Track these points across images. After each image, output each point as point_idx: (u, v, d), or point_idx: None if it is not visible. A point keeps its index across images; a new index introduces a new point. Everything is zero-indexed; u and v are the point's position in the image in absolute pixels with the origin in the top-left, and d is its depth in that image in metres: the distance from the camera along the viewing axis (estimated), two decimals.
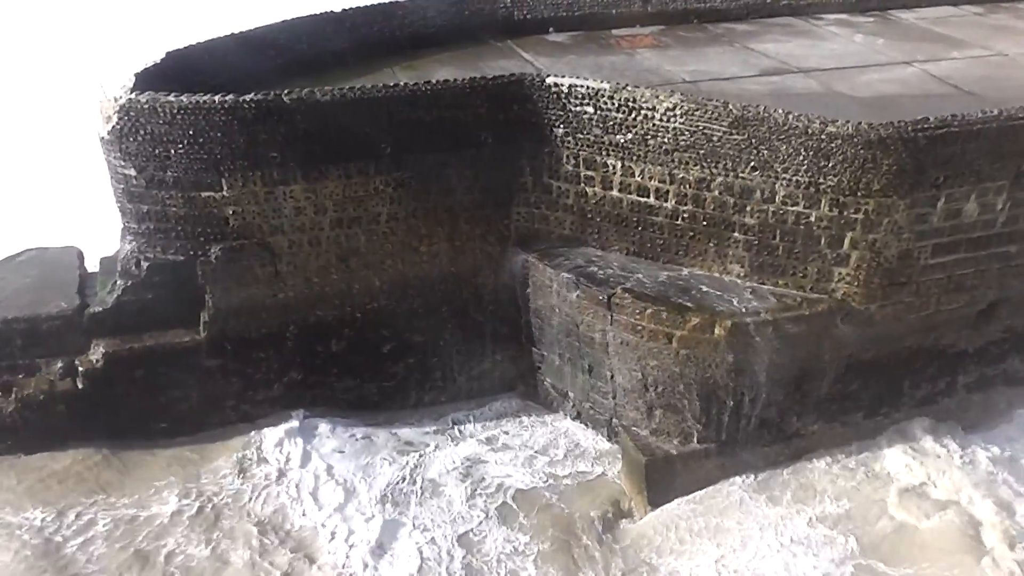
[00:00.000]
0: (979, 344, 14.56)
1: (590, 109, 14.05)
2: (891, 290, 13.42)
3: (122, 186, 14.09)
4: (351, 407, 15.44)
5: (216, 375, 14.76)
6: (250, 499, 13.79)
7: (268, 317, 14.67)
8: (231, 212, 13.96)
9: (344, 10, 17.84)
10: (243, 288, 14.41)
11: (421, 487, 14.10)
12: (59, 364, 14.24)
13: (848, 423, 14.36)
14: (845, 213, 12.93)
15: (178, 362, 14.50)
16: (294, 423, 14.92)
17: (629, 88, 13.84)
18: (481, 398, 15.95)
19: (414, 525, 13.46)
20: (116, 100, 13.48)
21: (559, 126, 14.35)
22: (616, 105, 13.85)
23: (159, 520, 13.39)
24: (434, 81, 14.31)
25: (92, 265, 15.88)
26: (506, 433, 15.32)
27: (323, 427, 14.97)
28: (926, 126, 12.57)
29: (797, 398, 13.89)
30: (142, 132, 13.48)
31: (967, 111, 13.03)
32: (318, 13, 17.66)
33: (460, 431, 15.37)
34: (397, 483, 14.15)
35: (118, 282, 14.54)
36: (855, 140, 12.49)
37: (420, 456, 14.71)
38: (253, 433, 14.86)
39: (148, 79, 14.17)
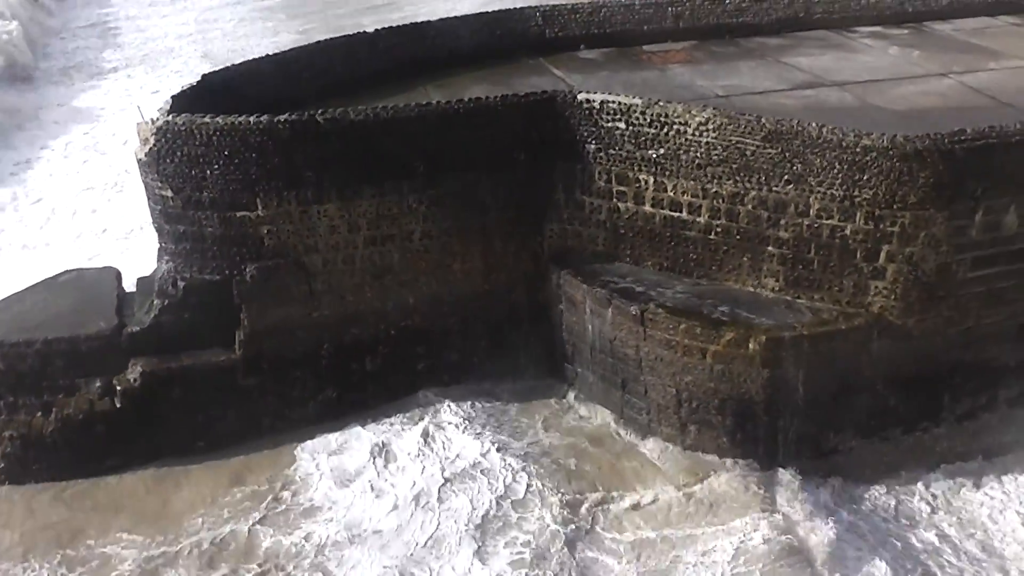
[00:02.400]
0: (1021, 358, 14.27)
1: (622, 125, 14.05)
2: (929, 304, 13.23)
3: (159, 207, 14.28)
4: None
5: (253, 394, 14.85)
6: (290, 517, 13.62)
7: (304, 336, 14.76)
8: (266, 231, 14.09)
9: (377, 31, 18.02)
10: (279, 307, 14.52)
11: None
12: (98, 384, 14.39)
13: (887, 438, 14.15)
14: (881, 226, 12.79)
15: (215, 381, 14.60)
16: (331, 437, 14.80)
17: (661, 103, 13.82)
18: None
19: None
20: (153, 122, 13.69)
21: (591, 142, 14.36)
22: (648, 120, 13.84)
23: (191, 550, 13.08)
24: (466, 99, 14.38)
25: (130, 285, 16.06)
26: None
27: (362, 437, 14.84)
28: (963, 138, 12.43)
29: (834, 413, 13.73)
30: (179, 153, 13.65)
31: (1005, 122, 12.86)
32: (352, 34, 17.88)
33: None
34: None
35: (155, 302, 14.71)
36: (890, 152, 12.37)
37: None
38: (290, 450, 14.74)
39: (184, 101, 14.38)
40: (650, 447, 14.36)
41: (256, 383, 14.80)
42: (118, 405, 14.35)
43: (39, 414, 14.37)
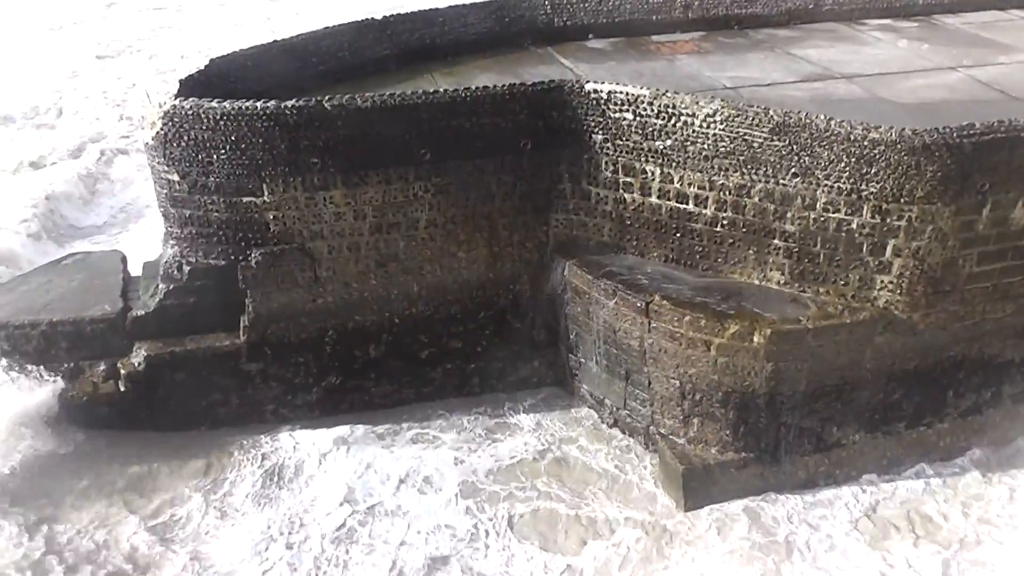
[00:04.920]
0: None
1: (629, 115, 14.01)
2: (935, 299, 13.19)
3: (165, 191, 14.28)
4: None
5: (256, 379, 14.89)
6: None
7: (307, 322, 14.77)
8: (272, 217, 14.09)
9: (385, 17, 17.97)
10: (283, 293, 14.53)
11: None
12: (102, 367, 14.45)
13: (890, 433, 14.14)
14: (888, 220, 12.75)
15: (219, 366, 14.63)
16: (323, 429, 14.85)
17: (669, 94, 13.77)
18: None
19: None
20: (160, 107, 13.67)
21: (598, 132, 14.32)
22: (655, 111, 13.79)
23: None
24: (473, 87, 14.31)
25: (135, 269, 16.10)
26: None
27: (352, 431, 14.90)
28: (972, 132, 12.36)
29: (838, 407, 13.71)
30: (186, 138, 13.64)
31: (1014, 117, 12.77)
32: (360, 20, 17.82)
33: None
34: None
35: (160, 286, 14.74)
36: (898, 146, 12.32)
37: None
38: (284, 437, 14.83)
39: (192, 86, 14.36)
40: None
41: (259, 368, 14.83)
42: (122, 388, 14.41)
43: None
